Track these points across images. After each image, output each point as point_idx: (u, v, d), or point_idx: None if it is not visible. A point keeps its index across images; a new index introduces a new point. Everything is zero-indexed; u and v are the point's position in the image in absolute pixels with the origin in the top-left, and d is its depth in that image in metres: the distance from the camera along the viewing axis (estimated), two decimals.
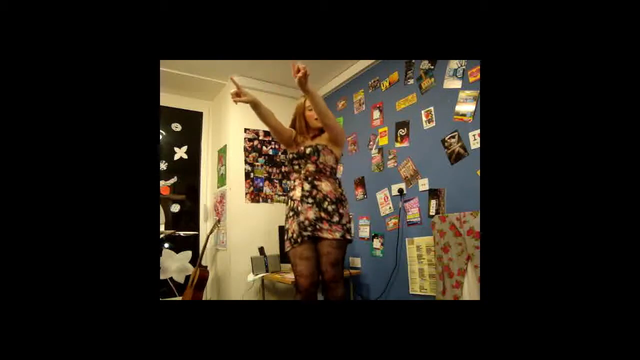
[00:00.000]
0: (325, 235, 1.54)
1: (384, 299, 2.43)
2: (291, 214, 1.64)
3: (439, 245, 1.86)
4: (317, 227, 1.55)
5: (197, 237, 3.19)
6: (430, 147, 2.18)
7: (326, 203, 1.58)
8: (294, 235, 1.59)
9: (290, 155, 1.70)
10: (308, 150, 1.64)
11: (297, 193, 1.64)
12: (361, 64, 2.77)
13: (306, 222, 1.56)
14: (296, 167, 1.69)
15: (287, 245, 1.63)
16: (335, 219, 1.57)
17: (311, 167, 1.64)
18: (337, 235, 1.55)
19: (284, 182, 3.12)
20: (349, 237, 1.59)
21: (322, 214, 1.56)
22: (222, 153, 3.09)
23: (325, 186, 1.61)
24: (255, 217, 2.90)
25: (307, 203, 1.59)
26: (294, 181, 1.70)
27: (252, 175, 2.97)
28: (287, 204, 1.71)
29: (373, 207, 2.61)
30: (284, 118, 3.14)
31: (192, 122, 3.37)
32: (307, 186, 1.61)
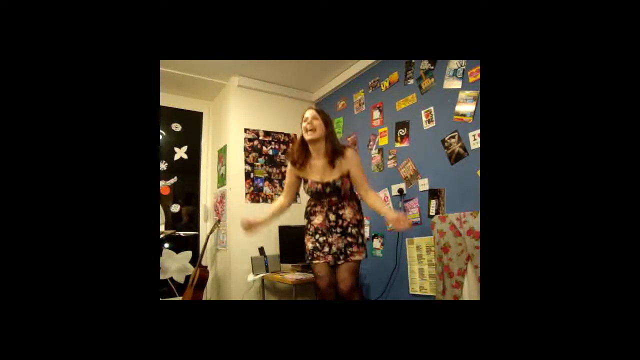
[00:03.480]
0: (357, 257, 1.70)
1: (384, 299, 2.43)
2: (310, 233, 1.77)
3: (439, 245, 1.86)
4: (348, 252, 1.69)
5: (197, 237, 3.18)
6: (430, 147, 2.18)
7: (350, 228, 1.72)
8: (310, 252, 1.76)
9: (310, 192, 1.75)
10: (328, 190, 1.70)
11: (317, 220, 1.75)
12: (361, 64, 2.77)
13: (338, 252, 1.70)
14: (317, 198, 1.77)
15: (307, 255, 1.80)
16: (360, 240, 1.72)
17: (335, 198, 1.74)
18: (364, 255, 1.73)
19: (284, 182, 3.11)
20: None
21: (350, 239, 1.70)
22: (222, 153, 3.09)
23: (348, 213, 1.74)
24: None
25: (336, 233, 1.72)
26: (315, 206, 1.78)
27: (252, 175, 2.97)
28: (306, 220, 1.82)
29: None
30: (284, 118, 3.18)
31: (192, 122, 3.36)
32: (332, 217, 1.73)
